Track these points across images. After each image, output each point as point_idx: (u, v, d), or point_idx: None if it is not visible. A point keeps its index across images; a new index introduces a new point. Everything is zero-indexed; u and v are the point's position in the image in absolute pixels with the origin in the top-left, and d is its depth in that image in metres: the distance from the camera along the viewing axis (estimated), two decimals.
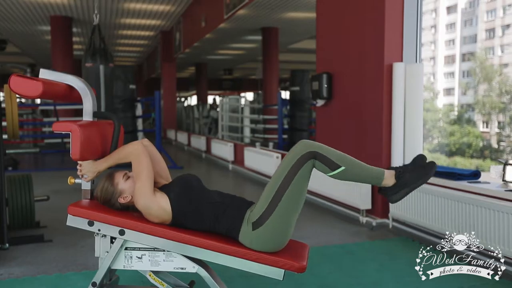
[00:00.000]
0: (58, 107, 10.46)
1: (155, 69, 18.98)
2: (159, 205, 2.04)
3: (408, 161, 3.99)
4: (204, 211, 2.05)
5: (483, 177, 3.42)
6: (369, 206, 4.22)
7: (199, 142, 11.21)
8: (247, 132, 11.59)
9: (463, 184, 3.32)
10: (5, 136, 4.52)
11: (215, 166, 9.15)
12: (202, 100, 19.72)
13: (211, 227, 2.05)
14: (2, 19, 12.83)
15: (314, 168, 1.97)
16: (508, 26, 39.67)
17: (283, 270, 1.98)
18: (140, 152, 2.11)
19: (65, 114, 11.15)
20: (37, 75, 2.16)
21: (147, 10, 12.30)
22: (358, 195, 4.21)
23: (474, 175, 3.42)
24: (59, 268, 3.06)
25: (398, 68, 3.98)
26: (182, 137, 13.91)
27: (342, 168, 1.94)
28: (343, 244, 3.67)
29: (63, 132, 2.08)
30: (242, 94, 24.72)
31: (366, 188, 4.17)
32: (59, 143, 10.84)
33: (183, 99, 26.12)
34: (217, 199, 2.08)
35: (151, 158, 2.18)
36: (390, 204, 3.97)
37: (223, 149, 8.74)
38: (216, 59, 18.99)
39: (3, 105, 3.44)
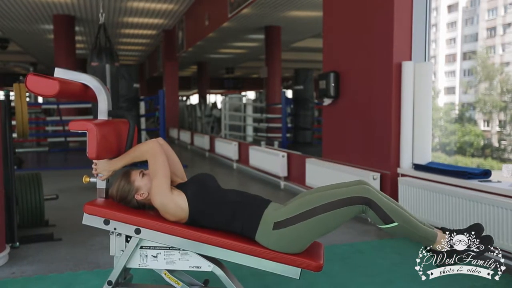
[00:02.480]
0: (60, 106, 10.49)
1: (157, 68, 18.96)
2: (176, 203, 2.05)
3: (416, 161, 3.99)
4: (221, 209, 2.05)
5: (494, 176, 3.41)
6: None
7: (202, 141, 11.21)
8: (249, 131, 11.59)
9: (474, 183, 3.31)
10: (14, 135, 4.55)
11: (219, 165, 9.15)
12: (203, 99, 19.70)
13: (227, 225, 2.05)
14: (4, 18, 12.82)
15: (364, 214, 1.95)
16: (509, 24, 39.62)
17: (300, 269, 1.98)
18: (156, 150, 2.11)
19: (68, 113, 11.16)
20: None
21: (150, 9, 12.30)
22: None
23: (484, 174, 3.41)
24: (70, 267, 3.06)
25: (407, 67, 3.96)
26: (184, 136, 13.91)
27: (395, 224, 1.92)
28: (353, 242, 3.67)
29: (80, 131, 2.08)
30: (243, 93, 24.69)
31: None
32: (62, 142, 10.88)
33: (184, 97, 26.10)
34: (235, 198, 2.08)
35: (166, 157, 2.18)
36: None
37: (227, 148, 8.74)
38: (218, 58, 18.98)
39: (12, 104, 3.43)
